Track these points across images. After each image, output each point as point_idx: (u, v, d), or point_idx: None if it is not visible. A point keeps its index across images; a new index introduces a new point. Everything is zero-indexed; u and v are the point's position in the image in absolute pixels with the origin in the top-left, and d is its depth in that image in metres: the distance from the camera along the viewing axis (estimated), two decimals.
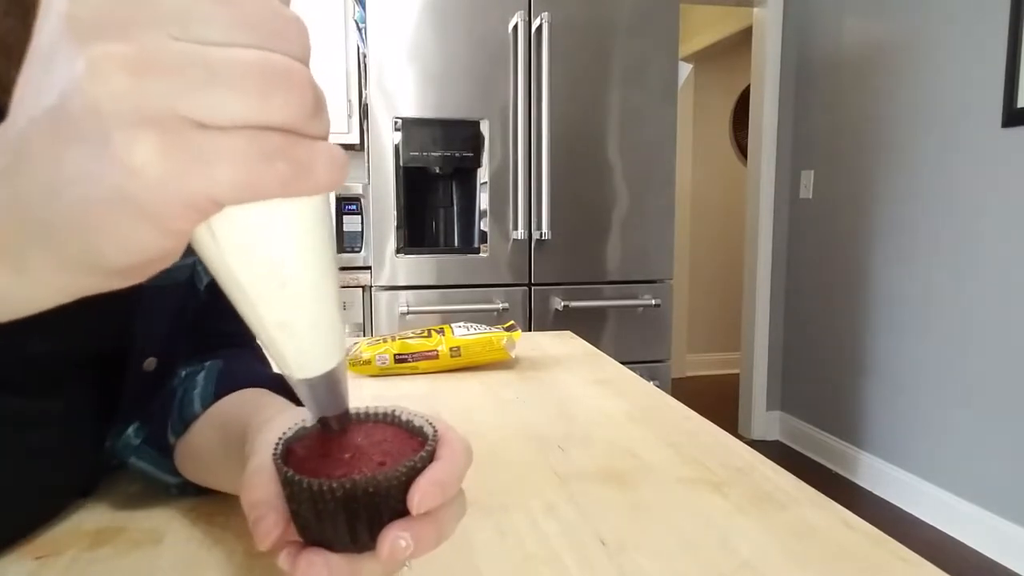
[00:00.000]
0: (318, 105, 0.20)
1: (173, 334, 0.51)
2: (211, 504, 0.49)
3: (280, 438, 0.30)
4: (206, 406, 0.47)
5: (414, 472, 0.27)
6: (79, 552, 0.43)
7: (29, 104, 0.19)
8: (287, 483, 0.27)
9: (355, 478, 0.26)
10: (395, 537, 0.27)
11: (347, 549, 0.27)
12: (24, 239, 0.19)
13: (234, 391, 0.48)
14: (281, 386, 0.48)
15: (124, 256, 0.19)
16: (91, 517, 0.47)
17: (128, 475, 0.54)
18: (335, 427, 0.28)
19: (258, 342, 0.24)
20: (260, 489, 0.29)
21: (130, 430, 0.49)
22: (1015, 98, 1.98)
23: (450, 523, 0.29)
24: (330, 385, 0.26)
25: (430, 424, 0.30)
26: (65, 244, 0.19)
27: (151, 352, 0.48)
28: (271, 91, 0.19)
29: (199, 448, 0.46)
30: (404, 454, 0.29)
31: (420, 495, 0.27)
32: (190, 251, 0.49)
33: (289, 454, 0.29)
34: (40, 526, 0.45)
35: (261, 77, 0.19)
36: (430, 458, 0.28)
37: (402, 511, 0.27)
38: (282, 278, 0.21)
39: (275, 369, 0.25)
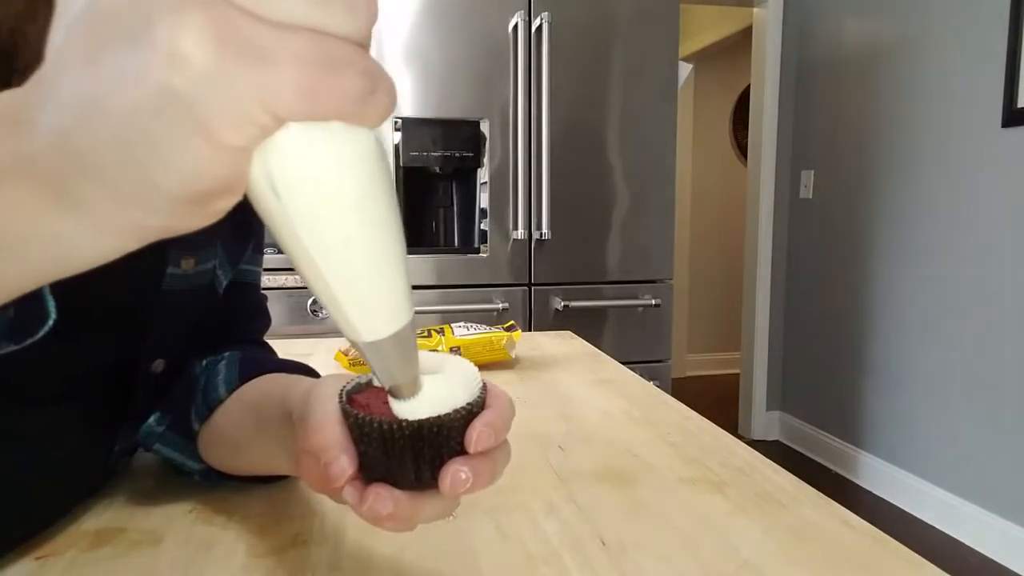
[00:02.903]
0: (374, 25, 0.18)
1: (186, 338, 0.51)
2: (211, 504, 0.49)
3: (342, 389, 0.31)
4: (231, 391, 0.47)
5: (471, 416, 0.29)
6: (79, 552, 0.43)
7: (64, 16, 0.18)
8: (357, 425, 0.29)
9: (422, 417, 0.28)
10: (456, 470, 0.29)
11: (410, 487, 0.30)
12: (74, 171, 0.18)
13: (258, 376, 0.48)
14: (305, 371, 0.49)
15: (178, 179, 0.17)
16: (91, 517, 0.48)
17: (130, 475, 0.54)
18: (406, 396, 0.28)
19: (322, 306, 0.23)
20: (328, 433, 0.30)
21: (152, 419, 0.49)
22: (1015, 98, 1.98)
23: (501, 465, 0.31)
24: (400, 347, 0.25)
25: (479, 375, 0.32)
26: (115, 169, 0.17)
27: (161, 354, 0.48)
28: None
29: (227, 430, 0.46)
30: None
31: (477, 434, 0.29)
32: (212, 256, 0.48)
33: (351, 403, 0.31)
34: (43, 529, 0.45)
35: None
36: (482, 405, 0.30)
37: (460, 452, 0.30)
38: (347, 233, 0.20)
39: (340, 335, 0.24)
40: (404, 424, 0.28)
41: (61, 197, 0.18)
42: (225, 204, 0.19)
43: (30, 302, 0.35)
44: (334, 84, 0.17)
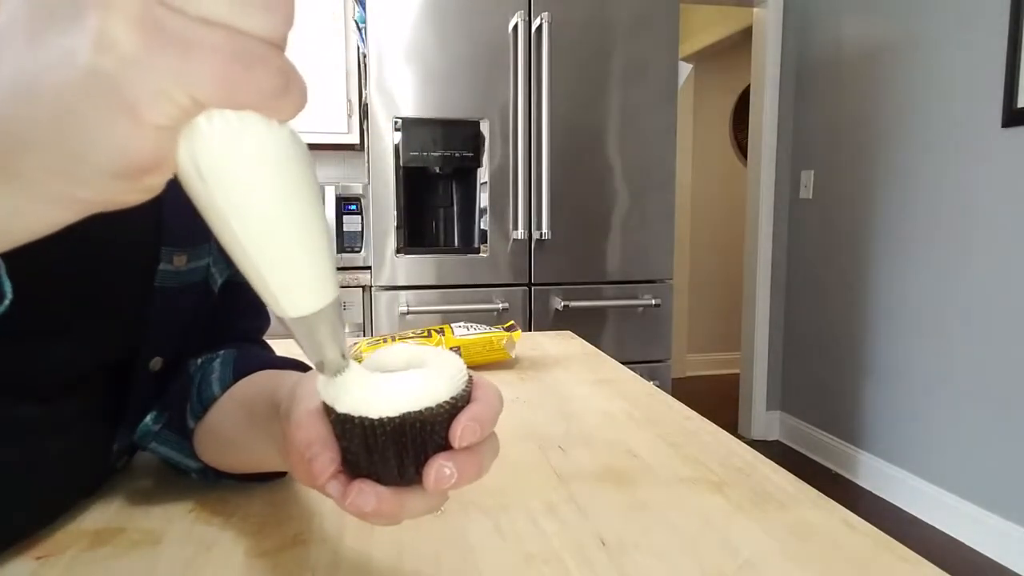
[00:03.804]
0: (290, 29, 0.20)
1: (183, 335, 0.51)
2: (211, 504, 0.49)
3: None
4: (225, 388, 0.47)
5: (455, 409, 0.29)
6: (79, 552, 0.43)
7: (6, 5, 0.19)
8: (339, 422, 0.29)
9: (404, 412, 0.28)
10: (440, 466, 0.29)
11: (394, 482, 0.30)
12: (11, 145, 0.19)
13: (252, 373, 0.48)
14: (298, 367, 0.49)
15: (105, 154, 0.19)
16: (91, 517, 0.47)
17: (130, 475, 0.54)
18: (332, 372, 0.28)
19: (250, 283, 0.24)
20: (312, 429, 0.30)
21: (148, 418, 0.49)
22: (1015, 98, 1.98)
23: (487, 459, 0.31)
24: (324, 324, 0.26)
25: (465, 368, 0.32)
26: (48, 144, 0.19)
27: (159, 352, 0.48)
28: None
29: (221, 427, 0.46)
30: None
31: (461, 429, 0.29)
32: (204, 253, 0.49)
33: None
34: (43, 527, 0.45)
35: None
36: (468, 398, 0.30)
37: (444, 447, 0.29)
38: (266, 216, 0.22)
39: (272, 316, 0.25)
40: (386, 420, 0.28)
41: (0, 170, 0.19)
42: (155, 180, 0.20)
43: None
44: (249, 77, 0.19)
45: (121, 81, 0.18)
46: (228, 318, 0.55)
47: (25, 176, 0.20)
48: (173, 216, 0.46)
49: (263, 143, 0.21)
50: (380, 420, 0.28)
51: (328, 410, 0.29)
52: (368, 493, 0.29)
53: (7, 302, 0.35)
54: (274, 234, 0.22)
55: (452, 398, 0.29)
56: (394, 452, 0.29)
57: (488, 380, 0.32)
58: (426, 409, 0.28)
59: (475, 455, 0.30)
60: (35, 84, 0.18)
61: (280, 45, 0.20)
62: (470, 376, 0.31)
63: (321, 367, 0.28)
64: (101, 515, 0.48)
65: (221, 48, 0.18)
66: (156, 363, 0.48)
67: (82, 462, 0.47)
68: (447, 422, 0.29)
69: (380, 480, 0.30)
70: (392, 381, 0.29)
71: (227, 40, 0.19)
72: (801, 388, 3.01)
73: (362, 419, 0.28)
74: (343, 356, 0.28)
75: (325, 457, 0.29)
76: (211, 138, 0.20)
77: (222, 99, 0.19)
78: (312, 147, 0.25)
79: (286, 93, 0.20)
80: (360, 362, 0.31)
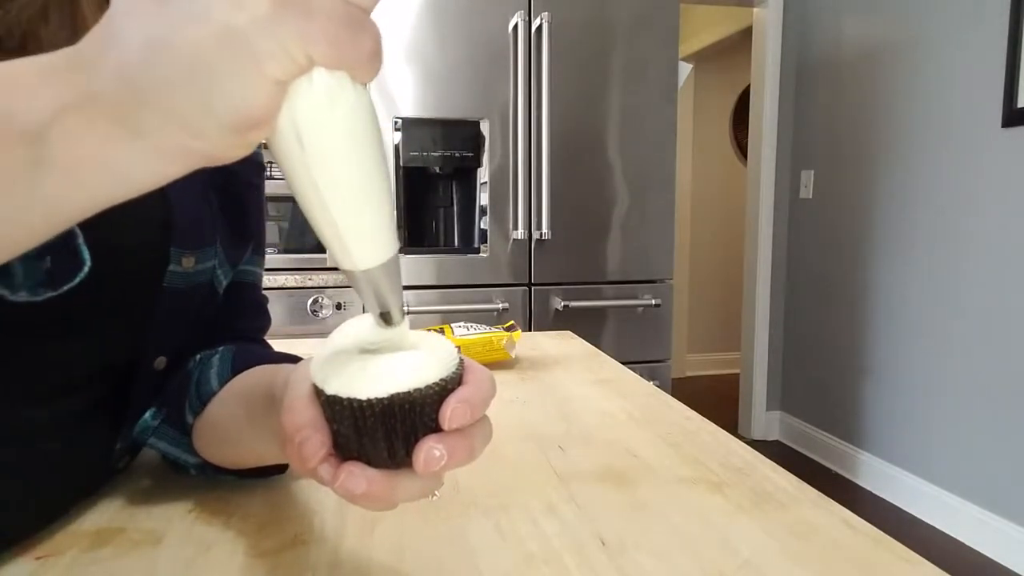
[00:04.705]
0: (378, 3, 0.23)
1: (189, 335, 0.51)
2: (211, 504, 0.49)
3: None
4: (223, 383, 0.47)
5: (445, 392, 0.29)
6: (79, 552, 0.43)
7: None
8: (328, 403, 0.29)
9: (392, 393, 0.28)
10: (430, 447, 0.29)
11: (385, 465, 0.30)
12: (137, 102, 0.21)
13: (250, 368, 0.48)
14: (295, 363, 0.49)
15: (229, 104, 0.21)
16: (91, 517, 0.47)
17: (130, 475, 0.54)
18: (397, 321, 0.29)
19: (324, 242, 0.25)
20: (302, 413, 0.30)
21: (147, 414, 0.50)
22: (1015, 98, 1.98)
23: (479, 443, 0.31)
24: (389, 274, 0.27)
25: (456, 352, 0.32)
26: (177, 97, 0.21)
27: (163, 352, 0.49)
28: None
29: (219, 421, 0.46)
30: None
31: (451, 411, 0.29)
32: (211, 255, 0.50)
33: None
34: (43, 528, 0.45)
35: None
36: (459, 380, 0.30)
37: (435, 429, 0.29)
38: (355, 171, 0.24)
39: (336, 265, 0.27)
40: (374, 401, 0.28)
41: (122, 125, 0.22)
42: (259, 135, 0.23)
43: (66, 252, 0.38)
44: (355, 40, 0.22)
45: (251, 37, 0.20)
46: (230, 318, 0.56)
47: (146, 131, 0.22)
48: (183, 218, 0.46)
49: (355, 101, 0.23)
50: (368, 401, 0.28)
51: (318, 392, 0.30)
52: (358, 475, 0.29)
53: (86, 269, 0.39)
54: (357, 186, 0.24)
55: (442, 380, 0.29)
56: (384, 434, 0.29)
57: (480, 365, 0.32)
58: (415, 390, 0.28)
59: (465, 438, 0.30)
60: (172, 39, 0.20)
61: (372, 14, 0.23)
62: (461, 360, 0.31)
63: (388, 318, 0.29)
64: (101, 515, 0.48)
65: (335, 13, 0.21)
66: (160, 362, 0.49)
67: (84, 463, 0.47)
68: (437, 404, 0.29)
69: (371, 463, 0.29)
70: (381, 362, 0.29)
71: (340, 6, 0.21)
72: (801, 388, 3.01)
73: (351, 400, 0.28)
74: (401, 308, 0.29)
75: (315, 440, 0.30)
76: (313, 95, 0.22)
77: (332, 57, 0.21)
78: None
79: (377, 57, 0.23)
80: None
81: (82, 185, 0.23)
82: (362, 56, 0.22)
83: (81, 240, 0.38)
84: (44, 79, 0.22)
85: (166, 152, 0.22)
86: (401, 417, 0.28)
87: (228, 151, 0.23)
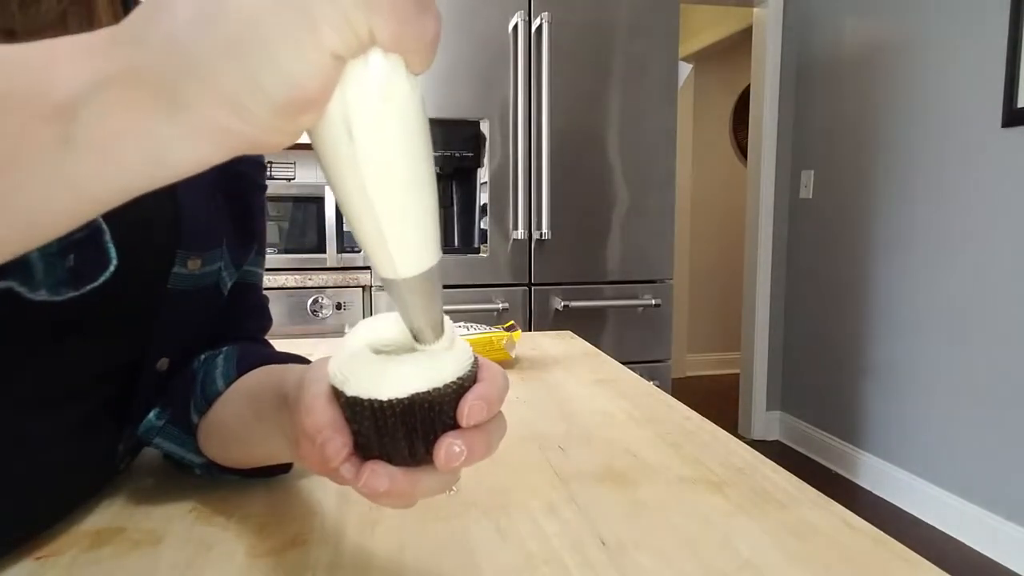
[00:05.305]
0: None
1: (192, 337, 0.51)
2: (211, 505, 0.49)
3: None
4: (229, 383, 0.47)
5: (462, 389, 0.30)
6: (79, 552, 0.43)
7: None
8: (348, 405, 0.29)
9: (412, 394, 0.28)
10: (450, 443, 0.29)
11: (405, 463, 0.30)
12: (183, 75, 0.20)
13: (255, 368, 0.48)
14: (300, 363, 0.49)
15: (281, 81, 0.19)
16: (91, 517, 0.48)
17: (131, 475, 0.54)
18: (432, 338, 0.29)
19: (363, 246, 0.24)
20: (322, 414, 0.31)
21: (152, 414, 0.50)
22: (1015, 98, 1.98)
23: (495, 437, 0.31)
24: (430, 285, 0.26)
25: (470, 349, 0.32)
26: (226, 71, 0.19)
27: (166, 353, 0.49)
28: None
29: (226, 421, 0.46)
30: None
31: (469, 408, 0.29)
32: (217, 257, 0.50)
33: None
34: (46, 529, 0.45)
35: None
36: (474, 378, 0.31)
37: (453, 426, 0.30)
38: (406, 172, 0.23)
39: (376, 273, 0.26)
40: (395, 401, 0.28)
41: (166, 100, 0.20)
42: (306, 120, 0.21)
43: (92, 249, 0.37)
44: (419, 20, 0.21)
45: (312, 4, 0.19)
46: (233, 319, 0.56)
47: (190, 107, 0.20)
48: (190, 220, 0.46)
49: (410, 92, 0.22)
50: (390, 402, 0.28)
51: (337, 394, 0.30)
52: (381, 474, 0.30)
53: (112, 268, 0.38)
54: (408, 184, 0.23)
55: (459, 378, 0.29)
56: (404, 433, 0.29)
57: (493, 362, 0.32)
58: (434, 389, 0.29)
59: (483, 433, 0.30)
60: (219, 12, 0.19)
61: None
62: (475, 358, 0.31)
63: (419, 336, 0.29)
64: (102, 515, 0.48)
65: None
66: (163, 364, 0.49)
67: (87, 465, 0.47)
68: (455, 402, 0.29)
69: (391, 461, 0.30)
70: (399, 363, 0.29)
71: None
72: (801, 388, 3.01)
73: (371, 401, 0.28)
74: (440, 323, 0.29)
75: (337, 441, 0.30)
76: (369, 81, 0.21)
77: (394, 35, 0.20)
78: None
79: (436, 44, 0.22)
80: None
81: (113, 164, 0.21)
82: (425, 38, 0.21)
83: (108, 237, 0.37)
84: (85, 53, 0.21)
85: (205, 132, 0.21)
86: (421, 416, 0.29)
87: (272, 135, 0.21)
